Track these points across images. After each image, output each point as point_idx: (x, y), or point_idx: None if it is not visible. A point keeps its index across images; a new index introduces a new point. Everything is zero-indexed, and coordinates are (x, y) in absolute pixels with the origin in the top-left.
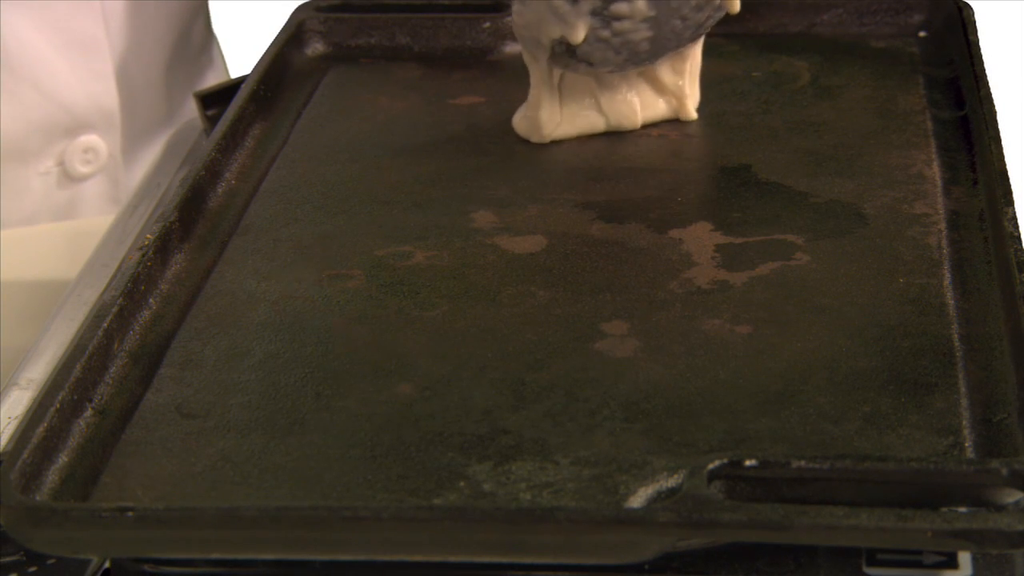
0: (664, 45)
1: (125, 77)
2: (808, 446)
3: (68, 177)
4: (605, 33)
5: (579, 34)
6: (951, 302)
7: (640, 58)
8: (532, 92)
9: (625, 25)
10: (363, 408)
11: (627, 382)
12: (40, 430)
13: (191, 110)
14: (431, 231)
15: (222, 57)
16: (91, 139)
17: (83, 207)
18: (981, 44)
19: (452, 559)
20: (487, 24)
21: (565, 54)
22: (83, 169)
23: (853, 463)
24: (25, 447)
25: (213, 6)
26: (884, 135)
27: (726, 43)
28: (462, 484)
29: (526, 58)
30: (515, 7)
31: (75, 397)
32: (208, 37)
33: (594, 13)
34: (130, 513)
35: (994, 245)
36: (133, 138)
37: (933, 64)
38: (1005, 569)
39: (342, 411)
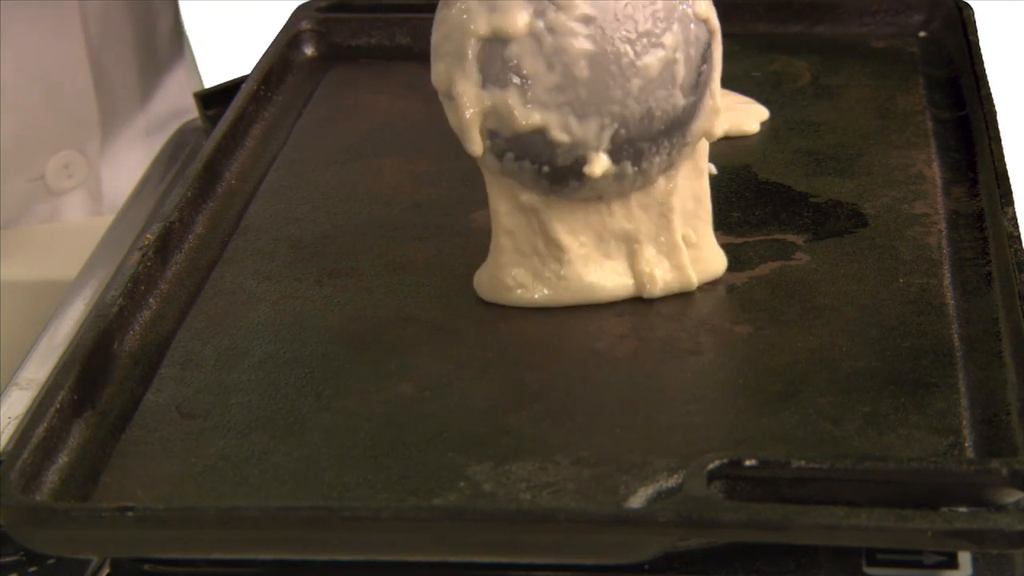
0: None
1: (103, 92)
2: (808, 446)
3: (49, 191)
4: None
5: (517, 21)
6: (951, 302)
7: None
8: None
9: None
10: (363, 408)
11: (627, 382)
12: (40, 430)
13: (165, 112)
14: (431, 231)
15: (191, 51)
16: (70, 154)
17: (64, 221)
18: (981, 44)
19: (452, 559)
20: None
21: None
22: (65, 183)
23: (853, 463)
24: (25, 447)
25: (213, 6)
26: (884, 135)
27: (726, 43)
28: (462, 484)
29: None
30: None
31: (75, 397)
32: (178, 34)
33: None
34: (130, 513)
35: (994, 245)
36: (113, 150)
37: (933, 64)
38: (1005, 569)
39: (342, 411)
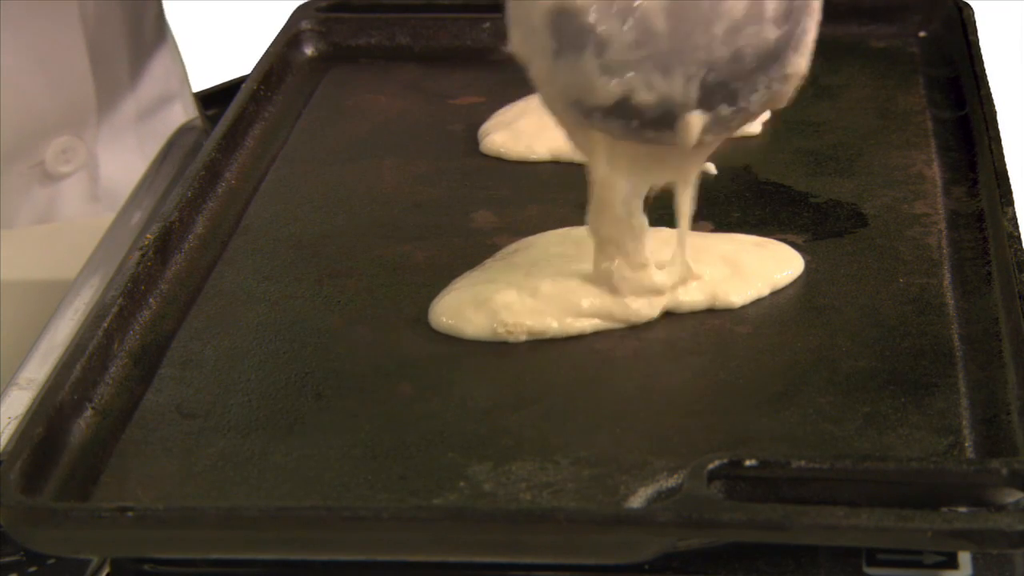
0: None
1: (99, 77)
2: (808, 446)
3: (48, 177)
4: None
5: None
6: (951, 302)
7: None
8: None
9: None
10: (363, 408)
11: (627, 382)
12: (40, 430)
13: (154, 97)
14: (431, 231)
15: (173, 36)
16: (68, 139)
17: (62, 206)
18: (981, 44)
19: (452, 559)
20: (487, 24)
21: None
22: (63, 169)
23: (853, 463)
24: (25, 447)
25: (214, 6)
26: (884, 135)
27: None
28: (462, 484)
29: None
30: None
31: (75, 397)
32: (161, 18)
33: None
34: (130, 513)
35: (994, 245)
36: (108, 135)
37: (933, 64)
38: (1005, 569)
39: (342, 411)
